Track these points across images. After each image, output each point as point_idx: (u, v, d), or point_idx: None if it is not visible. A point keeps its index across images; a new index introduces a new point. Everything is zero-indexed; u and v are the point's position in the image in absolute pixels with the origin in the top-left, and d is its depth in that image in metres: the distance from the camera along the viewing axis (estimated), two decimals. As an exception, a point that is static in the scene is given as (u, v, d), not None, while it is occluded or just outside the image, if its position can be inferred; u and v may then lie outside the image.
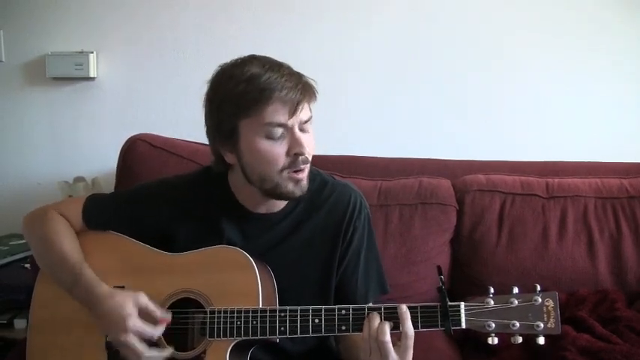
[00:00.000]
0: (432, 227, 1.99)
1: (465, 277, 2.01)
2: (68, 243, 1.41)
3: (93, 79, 2.48)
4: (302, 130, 1.31)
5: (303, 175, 1.33)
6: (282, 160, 1.30)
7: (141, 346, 1.28)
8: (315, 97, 1.33)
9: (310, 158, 1.34)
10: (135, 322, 1.28)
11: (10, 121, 2.55)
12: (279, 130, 1.29)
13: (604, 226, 1.97)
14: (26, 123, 2.54)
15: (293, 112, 1.27)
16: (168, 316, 1.32)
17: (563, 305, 1.84)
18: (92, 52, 2.45)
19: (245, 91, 1.28)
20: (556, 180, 2.05)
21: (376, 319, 1.23)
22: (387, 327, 1.21)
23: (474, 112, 2.35)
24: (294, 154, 1.30)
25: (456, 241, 2.03)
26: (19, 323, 2.11)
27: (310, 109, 1.34)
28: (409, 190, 2.03)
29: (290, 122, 1.28)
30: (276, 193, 1.34)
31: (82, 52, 2.45)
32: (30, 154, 2.55)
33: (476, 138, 2.34)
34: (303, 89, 1.29)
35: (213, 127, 1.36)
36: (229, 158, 1.37)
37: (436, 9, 2.33)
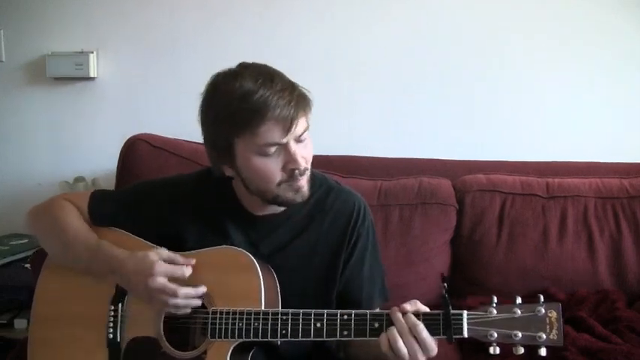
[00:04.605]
0: (432, 227, 1.99)
1: (464, 277, 2.01)
2: (81, 223, 1.43)
3: (93, 79, 2.48)
4: (298, 141, 1.29)
5: (303, 183, 1.32)
6: (278, 175, 1.29)
7: (173, 285, 1.29)
8: (310, 107, 1.31)
9: (309, 166, 1.34)
10: (161, 266, 1.30)
11: (10, 121, 2.55)
12: (274, 148, 1.27)
13: (604, 226, 1.97)
14: (26, 123, 2.54)
15: (288, 130, 1.25)
16: (192, 260, 1.34)
17: (563, 305, 1.85)
18: (92, 52, 2.45)
19: (238, 110, 1.25)
20: (556, 180, 2.05)
21: (402, 318, 1.21)
22: (417, 321, 1.20)
23: (475, 113, 2.35)
24: (290, 169, 1.29)
25: (456, 241, 2.03)
26: (19, 323, 2.12)
27: (307, 119, 1.31)
28: (409, 190, 2.03)
29: (285, 140, 1.26)
30: (277, 202, 1.35)
31: (82, 52, 2.45)
32: (30, 154, 2.55)
33: (476, 138, 2.34)
34: (296, 104, 1.26)
35: (209, 141, 1.35)
36: (228, 172, 1.36)
37: (438, 11, 2.33)
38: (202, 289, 1.32)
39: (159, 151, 2.12)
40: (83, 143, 2.52)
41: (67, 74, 2.47)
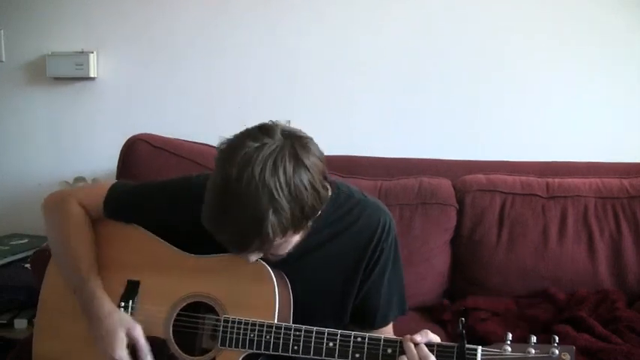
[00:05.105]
0: (432, 227, 1.99)
1: (464, 277, 2.01)
2: (83, 245, 1.41)
3: (93, 79, 2.48)
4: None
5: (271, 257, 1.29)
6: None
7: None
8: (281, 235, 1.16)
9: (282, 254, 1.27)
10: (121, 354, 1.29)
11: (10, 121, 2.55)
12: None
13: (604, 226, 1.97)
14: (26, 123, 2.54)
15: (239, 253, 1.21)
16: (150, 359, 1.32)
17: (563, 305, 1.85)
18: (92, 52, 2.45)
19: (204, 210, 1.19)
20: (556, 180, 2.05)
21: (414, 349, 1.20)
22: (429, 353, 1.19)
23: (475, 113, 2.35)
24: None
25: (456, 241, 2.03)
26: (19, 323, 2.12)
27: (279, 239, 1.17)
28: (409, 190, 2.03)
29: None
30: None
31: (82, 52, 2.45)
32: (30, 154, 2.55)
33: (476, 138, 2.34)
34: (252, 244, 1.15)
35: None
36: None
37: (438, 11, 2.33)
38: None
39: (159, 151, 2.11)
40: (83, 143, 2.52)
41: (67, 74, 2.47)
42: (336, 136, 2.32)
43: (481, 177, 2.07)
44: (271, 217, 1.12)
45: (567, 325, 1.72)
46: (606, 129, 2.31)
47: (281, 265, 1.35)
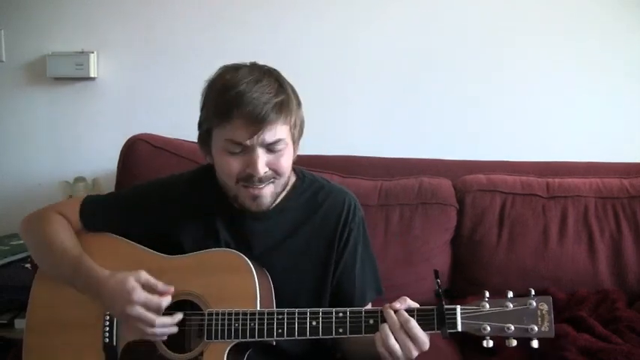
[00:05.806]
0: (432, 227, 1.99)
1: (465, 277, 2.01)
2: (67, 239, 1.42)
3: (93, 79, 2.48)
4: (270, 150, 1.30)
5: (260, 193, 1.32)
6: (236, 174, 1.31)
7: (151, 315, 1.28)
8: (291, 118, 1.30)
9: (280, 177, 1.34)
10: (140, 294, 1.28)
11: (10, 121, 2.55)
12: (238, 148, 1.29)
13: (604, 226, 1.97)
14: (27, 123, 2.54)
15: (254, 133, 1.26)
16: (171, 288, 1.31)
17: (563, 305, 1.85)
18: (92, 52, 2.45)
19: (215, 101, 1.29)
20: (556, 180, 2.05)
21: (394, 315, 1.22)
22: (409, 317, 1.21)
23: (475, 113, 2.35)
24: (248, 172, 1.30)
25: (456, 241, 2.03)
26: (20, 323, 2.11)
27: (287, 131, 1.31)
28: (409, 190, 2.03)
29: (249, 142, 1.27)
30: (238, 203, 1.37)
31: (82, 52, 2.45)
32: (30, 155, 2.55)
33: (476, 138, 2.34)
34: (272, 110, 1.26)
35: (198, 124, 1.38)
36: (208, 159, 1.40)
37: (437, 10, 2.34)
38: (179, 316, 1.31)
39: (159, 151, 2.11)
40: (83, 143, 2.52)
41: (68, 74, 2.47)
42: (336, 136, 2.32)
43: (481, 177, 2.07)
44: (284, 92, 1.29)
45: (567, 325, 1.72)
46: (606, 129, 2.31)
47: (258, 259, 1.38)
